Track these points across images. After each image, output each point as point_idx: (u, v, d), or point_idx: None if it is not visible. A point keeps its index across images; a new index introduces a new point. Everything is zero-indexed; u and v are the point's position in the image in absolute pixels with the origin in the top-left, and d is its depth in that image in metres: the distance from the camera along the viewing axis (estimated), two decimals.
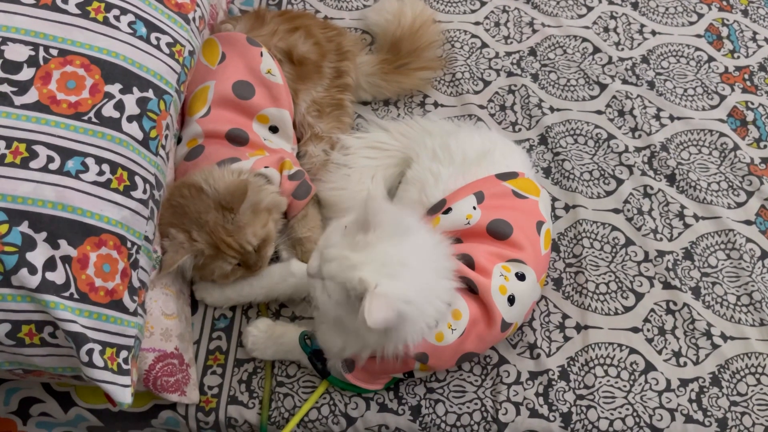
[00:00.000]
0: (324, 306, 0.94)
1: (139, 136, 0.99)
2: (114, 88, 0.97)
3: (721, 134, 1.39)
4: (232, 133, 1.20)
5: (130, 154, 0.97)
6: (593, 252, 1.24)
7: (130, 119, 0.98)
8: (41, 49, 0.95)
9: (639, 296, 1.20)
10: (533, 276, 1.07)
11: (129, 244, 0.96)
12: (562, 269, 1.23)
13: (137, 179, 0.97)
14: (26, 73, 0.94)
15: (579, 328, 1.17)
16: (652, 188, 1.32)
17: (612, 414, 1.10)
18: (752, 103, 1.44)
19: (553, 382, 1.12)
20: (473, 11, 1.56)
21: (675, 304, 1.20)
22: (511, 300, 1.04)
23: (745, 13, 1.57)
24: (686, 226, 1.28)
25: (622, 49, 1.50)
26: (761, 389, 1.13)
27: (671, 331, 1.17)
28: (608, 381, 1.13)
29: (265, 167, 1.17)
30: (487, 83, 1.45)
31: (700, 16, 1.56)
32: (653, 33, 1.53)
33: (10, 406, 1.12)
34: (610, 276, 1.22)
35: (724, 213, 1.29)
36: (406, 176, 1.23)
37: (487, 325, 1.03)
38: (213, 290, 1.16)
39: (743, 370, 1.14)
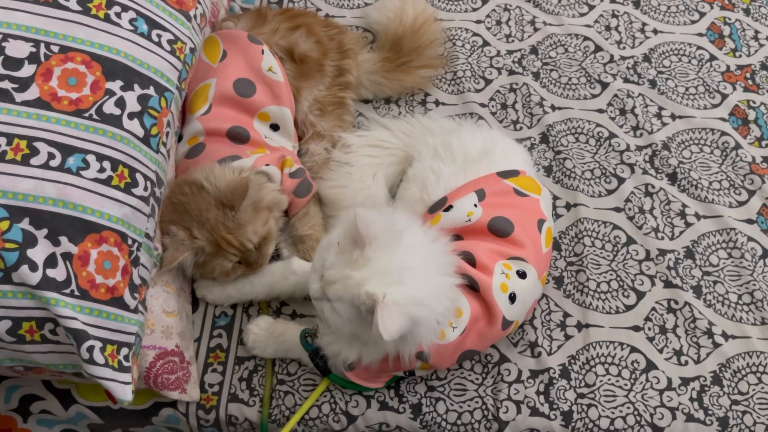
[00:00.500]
0: (336, 325, 0.94)
1: (140, 133, 0.98)
2: (115, 85, 0.97)
3: (723, 133, 1.39)
4: (233, 131, 1.20)
5: (131, 151, 0.97)
6: (594, 250, 1.24)
7: (131, 116, 0.98)
8: (42, 45, 0.95)
9: (640, 295, 1.20)
10: (534, 274, 1.07)
11: (130, 242, 0.95)
12: (563, 268, 1.23)
13: (138, 176, 0.97)
14: (27, 70, 0.93)
15: (580, 326, 1.17)
16: (653, 187, 1.32)
17: (613, 413, 1.10)
18: (754, 102, 1.43)
19: (554, 381, 1.12)
20: (475, 9, 1.56)
21: (676, 302, 1.20)
22: (512, 298, 1.04)
23: (747, 11, 1.57)
24: (687, 224, 1.28)
25: (624, 48, 1.50)
26: (762, 388, 1.13)
27: (672, 330, 1.17)
28: (609, 380, 1.13)
29: (266, 165, 1.17)
30: (488, 81, 1.45)
31: (702, 14, 1.56)
32: (655, 32, 1.53)
33: (11, 404, 1.12)
34: (612, 274, 1.22)
35: (725, 212, 1.29)
36: (407, 174, 1.23)
37: (488, 323, 1.03)
38: (214, 288, 1.16)
39: (744, 369, 1.14)
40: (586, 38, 1.51)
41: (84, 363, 0.89)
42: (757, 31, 1.54)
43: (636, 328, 1.17)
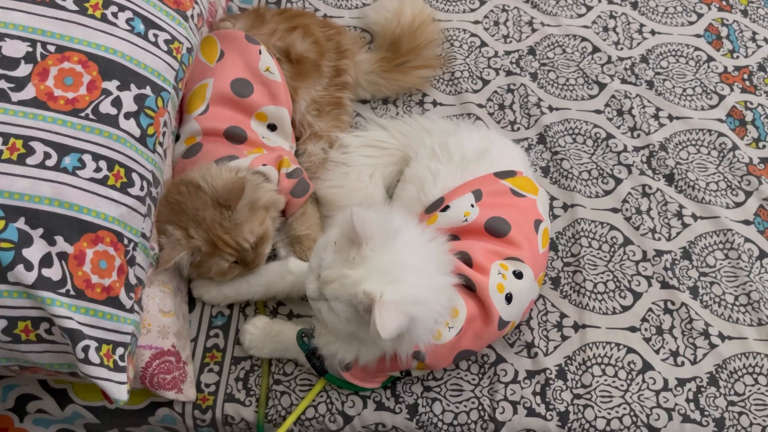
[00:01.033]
0: (334, 325, 0.94)
1: (137, 133, 0.98)
2: (111, 85, 0.97)
3: (720, 134, 1.39)
4: (231, 131, 1.20)
5: (127, 150, 0.97)
6: (591, 251, 1.24)
7: (127, 116, 0.98)
8: (39, 45, 0.95)
9: (637, 296, 1.20)
10: (531, 274, 1.07)
11: (126, 241, 0.95)
12: (560, 268, 1.23)
13: (134, 176, 0.97)
14: (23, 69, 0.93)
15: (577, 327, 1.17)
16: (650, 188, 1.32)
17: (609, 413, 1.10)
18: (751, 103, 1.43)
19: (551, 381, 1.12)
20: (473, 10, 1.56)
21: (673, 303, 1.20)
22: (509, 298, 1.04)
23: (744, 13, 1.57)
24: (684, 225, 1.28)
25: (622, 49, 1.50)
26: (759, 389, 1.13)
27: (669, 331, 1.17)
28: (606, 380, 1.13)
29: (263, 165, 1.17)
30: (486, 82, 1.45)
31: (700, 15, 1.56)
32: (653, 32, 1.53)
33: (7, 403, 1.12)
34: (608, 275, 1.22)
35: (722, 213, 1.29)
36: (404, 174, 1.23)
37: (485, 323, 1.03)
38: (210, 288, 1.16)
39: (741, 370, 1.14)
40: (583, 39, 1.51)
41: (79, 363, 0.89)
42: (754, 33, 1.54)
43: (632, 329, 1.17)
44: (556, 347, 1.15)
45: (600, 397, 1.11)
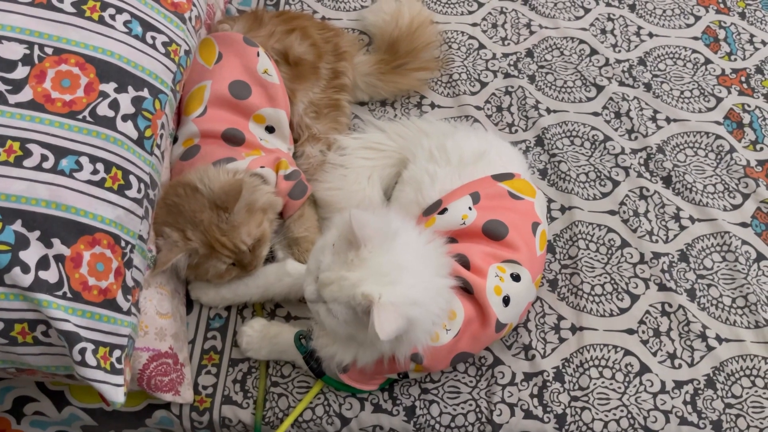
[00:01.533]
0: (332, 327, 0.94)
1: (134, 135, 0.98)
2: (109, 87, 0.97)
3: (718, 136, 1.39)
4: (229, 133, 1.20)
5: (124, 153, 0.97)
6: (589, 253, 1.24)
7: (124, 118, 0.98)
8: (36, 47, 0.95)
9: (634, 298, 1.20)
10: (528, 277, 1.07)
11: (123, 243, 0.95)
12: (557, 270, 1.23)
13: (131, 178, 0.97)
14: (21, 72, 0.93)
15: (574, 329, 1.17)
16: (648, 190, 1.32)
17: (606, 416, 1.10)
18: (749, 106, 1.44)
19: (548, 384, 1.12)
20: (471, 12, 1.56)
21: (670, 306, 1.20)
22: (506, 300, 1.04)
23: (742, 15, 1.57)
24: (682, 228, 1.28)
25: (619, 51, 1.51)
26: (756, 391, 1.13)
27: (666, 333, 1.17)
28: (603, 382, 1.13)
29: (261, 167, 1.17)
30: (483, 84, 1.45)
31: (698, 18, 1.57)
32: (650, 35, 1.53)
33: (4, 405, 1.12)
34: (606, 278, 1.22)
35: (719, 215, 1.29)
36: (402, 177, 1.24)
37: (482, 325, 1.03)
38: (208, 290, 1.16)
39: (738, 373, 1.14)
40: (581, 41, 1.51)
41: (76, 365, 0.89)
42: (752, 35, 1.54)
43: (630, 331, 1.17)
44: (553, 349, 1.15)
45: (597, 400, 1.11)
